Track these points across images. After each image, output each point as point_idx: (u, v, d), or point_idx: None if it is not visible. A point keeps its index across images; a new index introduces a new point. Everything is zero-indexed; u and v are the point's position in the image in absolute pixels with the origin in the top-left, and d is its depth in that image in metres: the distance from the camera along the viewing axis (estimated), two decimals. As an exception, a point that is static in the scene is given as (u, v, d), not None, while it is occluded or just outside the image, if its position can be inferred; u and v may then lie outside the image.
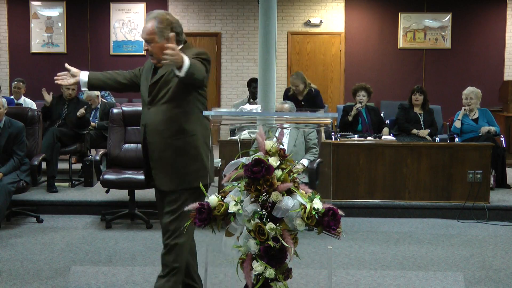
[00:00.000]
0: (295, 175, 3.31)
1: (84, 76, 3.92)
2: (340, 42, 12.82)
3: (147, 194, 7.20)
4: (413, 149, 7.39)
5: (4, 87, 12.65)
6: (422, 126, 8.49)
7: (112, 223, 6.69)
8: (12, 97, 9.66)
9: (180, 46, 3.62)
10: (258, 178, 3.17)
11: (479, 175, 7.25)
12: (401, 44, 12.74)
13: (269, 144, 3.31)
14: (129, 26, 12.82)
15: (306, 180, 6.22)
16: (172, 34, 3.55)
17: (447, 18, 12.65)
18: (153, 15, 3.65)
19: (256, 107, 3.58)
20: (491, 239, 6.33)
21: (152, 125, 3.68)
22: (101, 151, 7.02)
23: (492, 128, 8.32)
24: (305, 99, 8.41)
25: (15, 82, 9.80)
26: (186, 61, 3.33)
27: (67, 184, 7.99)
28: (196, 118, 3.65)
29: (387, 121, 9.06)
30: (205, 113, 3.46)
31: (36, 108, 8.98)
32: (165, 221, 3.78)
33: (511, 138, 10.26)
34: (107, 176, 6.63)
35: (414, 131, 8.45)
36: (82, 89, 3.77)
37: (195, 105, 3.66)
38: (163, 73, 3.67)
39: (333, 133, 8.09)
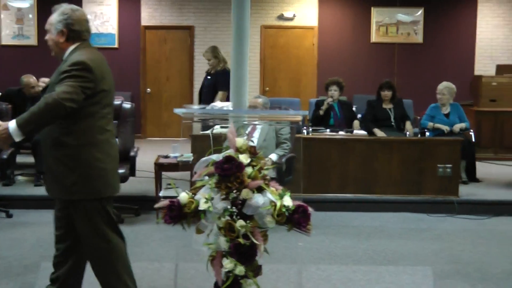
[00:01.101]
0: (265, 172, 3.33)
1: (13, 124, 3.33)
2: (313, 36, 12.85)
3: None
4: (384, 144, 7.45)
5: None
6: (393, 122, 8.45)
7: (83, 218, 6.63)
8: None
9: (74, 45, 3.56)
10: (229, 175, 3.18)
11: (448, 169, 7.34)
12: (374, 38, 12.80)
13: (240, 141, 3.32)
14: (101, 18, 12.71)
15: (274, 175, 6.20)
16: (64, 30, 3.53)
17: (419, 12, 12.74)
18: (59, 7, 3.62)
19: (227, 104, 3.59)
20: (460, 233, 6.42)
21: (42, 132, 3.57)
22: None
23: (464, 125, 8.43)
24: (212, 75, 8.26)
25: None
26: (11, 128, 3.26)
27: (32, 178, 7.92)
28: (81, 130, 3.45)
29: (359, 115, 9.11)
30: (176, 110, 3.45)
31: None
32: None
33: (481, 133, 10.39)
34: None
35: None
36: (17, 140, 3.32)
37: (81, 118, 3.44)
38: (51, 81, 3.59)
39: (304, 128, 8.11)
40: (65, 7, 3.58)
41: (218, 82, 7.92)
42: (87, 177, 3.47)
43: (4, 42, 12.62)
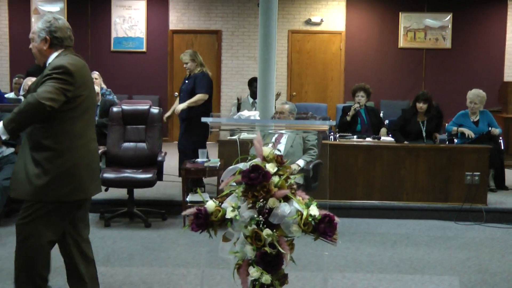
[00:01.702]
0: (292, 181, 3.34)
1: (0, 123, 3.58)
2: (340, 41, 12.83)
3: (146, 193, 7.24)
4: (411, 151, 7.42)
5: (4, 82, 12.68)
6: (424, 136, 8.20)
7: (111, 222, 6.72)
8: (12, 93, 9.68)
9: (57, 52, 3.63)
10: (255, 184, 3.20)
11: (476, 177, 7.28)
12: (402, 43, 12.75)
13: (267, 150, 3.34)
14: (129, 22, 12.83)
15: (301, 181, 6.20)
16: (47, 37, 3.60)
17: (447, 18, 12.65)
18: (44, 17, 3.71)
19: (254, 113, 3.61)
20: (487, 242, 6.36)
21: (24, 134, 3.67)
22: (101, 149, 7.04)
23: (498, 131, 8.31)
24: (190, 79, 7.91)
25: (16, 78, 9.82)
26: None
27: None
28: (60, 134, 3.54)
29: (386, 122, 9.07)
30: (204, 119, 3.49)
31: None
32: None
33: (510, 140, 10.29)
34: (106, 175, 6.65)
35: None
36: (3, 137, 3.54)
37: (61, 122, 3.53)
38: (32, 85, 3.67)
39: (331, 134, 8.10)
40: (48, 16, 3.68)
41: (197, 85, 7.68)
42: (60, 180, 3.56)
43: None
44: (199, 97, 7.61)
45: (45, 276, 3.85)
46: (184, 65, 7.93)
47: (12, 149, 6.65)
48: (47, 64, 3.64)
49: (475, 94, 8.40)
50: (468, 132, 8.25)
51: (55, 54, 3.65)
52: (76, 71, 3.54)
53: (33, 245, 3.72)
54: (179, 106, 7.69)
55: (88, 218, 3.99)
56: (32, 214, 3.65)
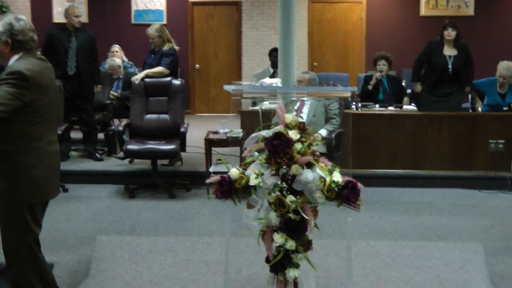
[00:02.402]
0: (314, 148, 3.35)
1: None
2: (361, 10, 12.70)
3: (169, 164, 7.30)
4: (433, 119, 7.38)
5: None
6: (450, 71, 7.73)
7: (135, 193, 6.80)
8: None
9: (18, 55, 3.60)
10: (278, 151, 3.22)
11: (501, 145, 7.24)
12: (423, 11, 12.58)
13: (289, 117, 3.35)
14: (149, -5, 12.82)
15: (324, 150, 6.22)
16: (9, 40, 3.57)
17: (470, -16, 12.46)
18: (4, 18, 3.67)
19: (276, 81, 3.62)
20: (512, 209, 6.34)
21: None
22: (124, 121, 7.11)
23: None
24: (156, 53, 7.76)
25: (38, 52, 9.86)
26: None
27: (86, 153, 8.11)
28: (17, 136, 3.52)
29: (409, 90, 9.01)
30: (226, 87, 3.50)
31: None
32: None
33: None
34: (129, 146, 6.72)
35: (417, 86, 8.01)
36: None
37: (18, 125, 3.51)
38: None
39: (354, 103, 8.08)
40: (9, 17, 3.64)
41: (162, 59, 7.59)
42: (17, 183, 3.55)
43: (56, 20, 12.84)
44: (159, 69, 7.50)
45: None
46: (150, 40, 7.81)
47: None
48: (7, 66, 3.62)
49: (506, 68, 7.96)
50: None
51: (16, 57, 3.59)
52: (33, 76, 3.50)
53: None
54: (137, 76, 7.58)
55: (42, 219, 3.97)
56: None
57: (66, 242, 5.24)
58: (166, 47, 7.66)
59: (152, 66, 7.58)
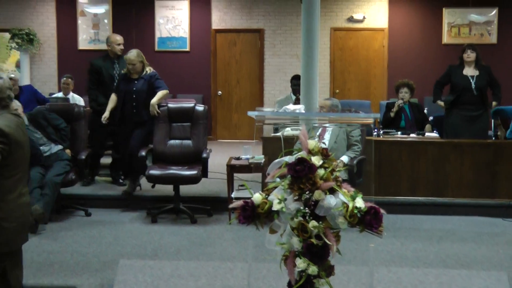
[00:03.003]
0: (337, 173, 3.38)
1: None
2: (383, 38, 12.77)
3: (192, 189, 7.33)
4: (456, 146, 7.35)
5: (52, 83, 12.98)
6: (474, 91, 7.70)
7: (158, 218, 6.84)
8: (61, 93, 9.90)
9: None
10: (301, 177, 3.24)
11: (524, 173, 7.18)
12: (445, 39, 12.61)
13: (312, 143, 3.38)
14: (173, 22, 12.98)
15: (345, 176, 6.23)
16: None
17: (493, 12, 12.47)
18: None
19: (300, 107, 3.66)
20: (535, 238, 6.28)
21: None
22: (147, 147, 7.17)
23: None
24: (140, 79, 7.48)
25: (64, 78, 10.03)
26: None
27: (110, 178, 8.17)
28: None
29: (431, 118, 9.00)
30: (250, 113, 3.55)
31: (83, 104, 9.22)
32: None
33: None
34: (152, 171, 6.78)
35: (439, 102, 7.97)
36: None
37: None
38: None
39: (375, 130, 8.08)
40: None
41: (157, 83, 7.40)
42: None
43: (81, 47, 13.07)
44: (164, 92, 7.41)
45: None
46: (131, 66, 7.46)
47: (60, 146, 6.83)
48: None
49: None
50: None
51: None
52: (11, 132, 3.64)
53: None
54: (153, 101, 7.28)
55: (21, 267, 4.01)
56: None
57: (89, 265, 5.28)
58: (149, 71, 7.55)
59: (140, 92, 7.43)
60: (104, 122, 7.55)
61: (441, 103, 7.98)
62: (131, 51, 7.50)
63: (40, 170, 6.52)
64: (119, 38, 8.18)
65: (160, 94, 7.34)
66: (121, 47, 8.12)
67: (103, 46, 12.74)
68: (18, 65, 13.20)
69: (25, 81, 12.59)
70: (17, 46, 12.75)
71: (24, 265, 5.17)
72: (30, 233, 5.99)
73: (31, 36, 12.72)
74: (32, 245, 5.80)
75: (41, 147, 6.66)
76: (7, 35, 12.83)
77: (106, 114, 7.55)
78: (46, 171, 6.54)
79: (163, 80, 7.58)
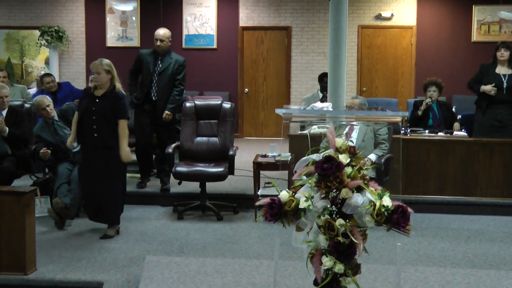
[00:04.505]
0: (364, 172, 3.36)
1: None
2: (411, 36, 12.66)
3: (218, 186, 7.36)
4: (485, 145, 7.27)
5: (81, 80, 13.09)
6: (505, 90, 7.55)
7: (184, 214, 6.87)
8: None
9: None
10: (329, 175, 3.23)
11: (555, 173, 7.08)
12: (475, 37, 12.46)
13: (340, 141, 3.37)
14: (200, 20, 13.01)
15: (373, 175, 6.19)
16: None
17: (524, 10, 12.31)
18: None
19: (328, 105, 3.65)
20: None
21: None
22: (174, 144, 7.21)
23: None
24: (102, 98, 6.00)
25: (92, 75, 10.09)
26: None
27: (138, 175, 8.20)
28: None
29: (459, 116, 8.91)
30: (277, 111, 3.55)
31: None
32: None
33: None
34: (179, 168, 6.81)
35: (484, 88, 7.64)
36: None
37: None
38: None
39: (403, 128, 8.02)
40: None
41: (117, 109, 5.97)
42: None
43: (109, 44, 13.17)
44: (123, 124, 6.01)
45: None
46: (94, 76, 6.10)
47: None
48: None
49: None
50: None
51: None
52: None
53: None
54: (125, 156, 5.98)
55: None
56: None
57: (116, 261, 5.32)
58: (116, 89, 6.12)
59: (99, 115, 5.97)
60: (70, 147, 6.43)
61: (486, 87, 7.67)
62: (99, 59, 6.16)
63: (68, 166, 6.58)
64: (161, 32, 7.57)
65: (120, 126, 5.98)
66: (159, 43, 7.48)
67: (131, 44, 12.94)
68: (47, 62, 13.35)
69: (55, 78, 12.72)
70: (46, 44, 12.88)
71: (52, 260, 5.27)
72: (57, 229, 6.10)
73: (60, 34, 12.84)
74: (59, 241, 5.86)
75: (69, 143, 6.71)
76: (37, 33, 12.97)
77: (71, 138, 6.32)
78: (74, 167, 6.60)
79: (126, 103, 6.22)
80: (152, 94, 7.50)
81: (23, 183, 7.35)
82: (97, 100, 6.00)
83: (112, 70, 6.08)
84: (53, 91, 8.98)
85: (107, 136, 5.95)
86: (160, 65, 7.52)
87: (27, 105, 7.67)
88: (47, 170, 7.25)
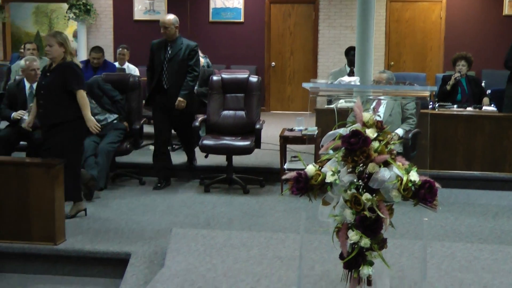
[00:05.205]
0: (391, 147, 3.34)
1: None
2: (440, 9, 12.47)
3: (245, 160, 7.38)
4: (515, 121, 7.18)
5: (108, 53, 13.12)
6: None
7: (210, 188, 6.91)
8: (117, 63, 10.03)
9: None
10: (355, 149, 3.22)
11: None
12: (506, 10, 12.23)
13: (367, 116, 3.35)
14: (227, -7, 12.97)
15: (400, 150, 6.15)
16: None
17: (557, -17, 12.03)
18: None
19: (355, 79, 3.62)
20: None
21: None
22: (200, 117, 7.23)
23: None
24: (53, 71, 5.72)
25: (120, 49, 10.15)
26: None
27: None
28: None
29: (488, 91, 8.79)
30: (304, 85, 3.53)
31: (138, 74, 9.30)
32: None
33: None
34: (206, 142, 6.84)
35: None
36: None
37: None
38: None
39: (431, 103, 7.94)
40: None
41: (69, 79, 5.63)
42: None
43: (136, 17, 13.18)
44: (80, 94, 5.70)
45: None
46: (46, 48, 5.75)
47: (115, 116, 6.93)
48: None
49: None
50: None
51: None
52: None
53: None
54: (91, 124, 5.73)
55: None
56: None
57: (143, 233, 5.39)
58: (67, 60, 5.76)
59: (47, 88, 5.71)
60: (27, 128, 6.41)
61: None
62: (52, 31, 6.04)
63: (95, 138, 6.62)
64: (165, 19, 7.10)
65: (81, 99, 5.69)
66: (162, 30, 7.03)
67: (158, 17, 12.87)
68: (75, 36, 13.41)
69: (83, 51, 12.82)
70: (74, 17, 12.92)
71: (81, 231, 5.36)
72: (86, 200, 6.19)
73: (88, 7, 12.87)
74: (88, 212, 5.94)
75: (95, 116, 6.74)
76: (65, 6, 13.02)
77: (29, 118, 6.31)
78: (100, 140, 6.65)
79: (79, 73, 5.79)
80: (164, 82, 7.03)
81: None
82: (48, 74, 5.71)
83: (66, 43, 5.70)
84: (96, 67, 8.99)
85: (53, 112, 5.62)
86: (170, 52, 7.03)
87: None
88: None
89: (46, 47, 5.72)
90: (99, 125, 5.81)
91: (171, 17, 7.11)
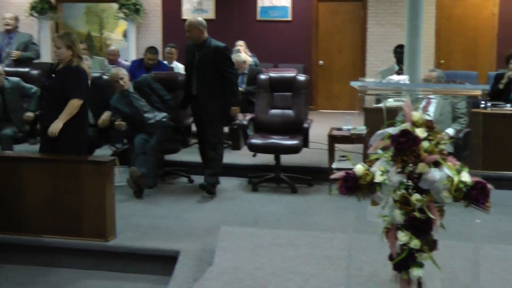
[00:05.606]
0: (442, 146, 3.29)
1: None
2: (493, 6, 12.21)
3: (293, 159, 7.36)
4: None
5: (157, 52, 13.29)
6: None
7: (258, 186, 6.92)
8: (165, 61, 10.13)
9: None
10: (405, 149, 3.19)
11: None
12: (562, 6, 11.93)
13: (416, 115, 3.31)
14: (275, -9, 12.97)
15: (451, 150, 6.05)
16: None
17: None
18: None
19: (404, 78, 3.58)
20: None
21: None
22: (248, 116, 7.25)
23: None
24: (58, 73, 5.59)
25: (168, 48, 10.24)
26: None
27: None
28: None
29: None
30: (352, 83, 3.51)
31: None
32: None
33: None
34: (253, 140, 6.86)
35: None
36: None
37: None
38: None
39: (483, 102, 7.78)
40: None
41: (68, 85, 5.49)
42: None
43: (185, 16, 13.25)
44: (74, 104, 5.50)
45: None
46: (54, 50, 5.69)
47: (164, 114, 6.97)
48: None
49: None
50: None
51: None
52: None
53: None
54: (53, 128, 5.46)
55: None
56: None
57: (192, 231, 5.43)
58: (73, 65, 5.59)
59: (50, 91, 5.67)
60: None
61: None
62: (62, 32, 5.96)
63: (144, 136, 6.70)
64: (188, 22, 6.72)
65: (67, 108, 5.48)
66: (187, 34, 6.68)
67: (206, 16, 12.96)
68: (125, 35, 13.61)
69: (132, 50, 12.99)
70: (124, 16, 13.12)
71: (131, 228, 5.44)
72: (136, 198, 6.26)
73: (137, 6, 13.05)
74: (138, 209, 6.03)
75: (145, 115, 6.84)
76: (115, 6, 13.23)
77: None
78: (150, 138, 6.73)
79: (81, 80, 5.61)
80: (193, 88, 6.71)
81: (103, 153, 7.55)
82: (53, 75, 5.59)
83: (74, 46, 5.51)
84: (149, 67, 9.08)
85: (52, 115, 5.50)
86: (197, 56, 6.63)
87: (105, 77, 7.84)
88: (125, 141, 7.43)
89: (55, 48, 5.62)
90: (56, 134, 5.43)
91: (194, 19, 6.68)
